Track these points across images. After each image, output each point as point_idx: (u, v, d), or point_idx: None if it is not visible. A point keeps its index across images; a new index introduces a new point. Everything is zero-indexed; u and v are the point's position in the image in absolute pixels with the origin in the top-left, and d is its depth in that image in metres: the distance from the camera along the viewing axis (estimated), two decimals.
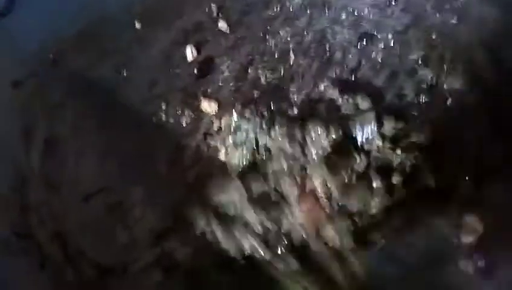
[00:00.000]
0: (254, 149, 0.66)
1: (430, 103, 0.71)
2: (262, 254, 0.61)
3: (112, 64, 0.70)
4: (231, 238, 0.61)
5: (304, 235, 0.62)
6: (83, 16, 0.66)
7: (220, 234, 0.61)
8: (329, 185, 0.63)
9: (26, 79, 0.61)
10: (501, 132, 0.65)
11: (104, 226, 0.61)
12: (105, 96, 0.68)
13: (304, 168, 0.64)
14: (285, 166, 0.64)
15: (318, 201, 0.63)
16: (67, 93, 0.64)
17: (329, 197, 0.63)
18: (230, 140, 0.67)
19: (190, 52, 0.73)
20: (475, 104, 0.69)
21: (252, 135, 0.66)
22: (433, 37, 0.71)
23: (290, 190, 0.63)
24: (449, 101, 0.71)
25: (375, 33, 0.73)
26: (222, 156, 0.68)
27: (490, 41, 0.67)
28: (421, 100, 0.71)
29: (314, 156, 0.64)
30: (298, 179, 0.64)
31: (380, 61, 0.72)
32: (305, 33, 0.73)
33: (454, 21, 0.70)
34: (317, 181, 0.63)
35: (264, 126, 0.66)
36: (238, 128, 0.68)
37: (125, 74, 0.71)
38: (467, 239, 0.63)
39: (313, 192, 0.63)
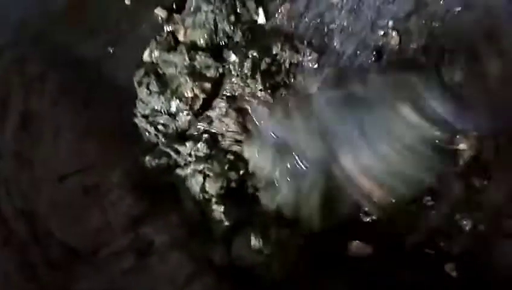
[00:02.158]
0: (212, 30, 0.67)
1: None
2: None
3: (99, 40, 0.68)
4: None
5: None
6: None
7: None
8: None
9: (6, 48, 0.58)
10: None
11: (77, 208, 0.58)
12: (89, 73, 0.65)
13: None
14: None
15: None
16: (48, 66, 0.62)
17: None
18: (190, 21, 0.68)
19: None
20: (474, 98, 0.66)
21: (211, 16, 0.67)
22: (435, 25, 0.68)
23: None
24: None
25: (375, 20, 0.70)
26: (181, 36, 0.69)
27: (495, 31, 0.63)
28: None
29: None
30: None
31: (378, 49, 0.69)
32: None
33: (458, 9, 0.67)
34: None
35: (223, 11, 0.67)
36: (198, 9, 0.68)
37: (111, 51, 0.69)
38: None
39: None
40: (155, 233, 0.59)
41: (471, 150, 0.63)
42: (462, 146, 0.64)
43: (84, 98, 0.64)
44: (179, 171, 0.64)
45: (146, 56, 0.70)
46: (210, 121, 0.65)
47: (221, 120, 0.65)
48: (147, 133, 0.67)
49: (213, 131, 0.65)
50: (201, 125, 0.66)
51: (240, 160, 0.65)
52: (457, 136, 0.64)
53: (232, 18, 0.68)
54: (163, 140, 0.66)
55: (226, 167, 0.63)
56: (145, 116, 0.67)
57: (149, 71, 0.67)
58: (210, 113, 0.65)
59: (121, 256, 0.57)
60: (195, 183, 0.63)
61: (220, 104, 0.65)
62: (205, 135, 0.65)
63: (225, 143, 0.65)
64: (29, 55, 0.61)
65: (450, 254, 0.58)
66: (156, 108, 0.66)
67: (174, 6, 0.72)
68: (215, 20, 0.67)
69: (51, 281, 0.51)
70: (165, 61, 0.67)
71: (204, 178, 0.63)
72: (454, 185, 0.62)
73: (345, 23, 0.70)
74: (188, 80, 0.65)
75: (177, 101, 0.65)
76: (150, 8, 0.71)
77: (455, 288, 0.56)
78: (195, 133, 0.66)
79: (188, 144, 0.64)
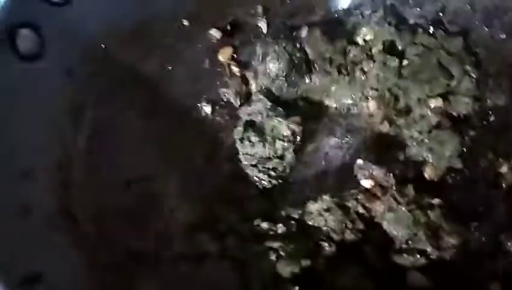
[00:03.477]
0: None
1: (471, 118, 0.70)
2: None
3: (159, 58, 0.72)
4: None
5: None
6: (135, 12, 0.68)
7: None
8: None
9: (79, 67, 0.63)
10: None
11: (141, 214, 0.62)
12: (150, 88, 0.70)
13: None
14: None
15: None
16: (115, 83, 0.67)
17: None
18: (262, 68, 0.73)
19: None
20: None
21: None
22: (478, 51, 0.70)
23: None
24: (491, 118, 0.70)
25: None
26: (254, 88, 0.75)
27: None
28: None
29: None
30: None
31: None
32: None
33: (503, 36, 0.69)
34: None
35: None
36: (265, 54, 0.74)
37: (170, 68, 0.73)
38: None
39: None
40: (209, 240, 0.63)
41: None
42: (504, 169, 0.66)
43: (146, 111, 0.69)
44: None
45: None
46: (308, 212, 0.65)
47: (321, 214, 0.64)
48: (261, 181, 0.70)
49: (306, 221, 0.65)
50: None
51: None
52: (500, 160, 0.67)
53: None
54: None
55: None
56: (254, 166, 0.70)
57: (246, 126, 0.71)
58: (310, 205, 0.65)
59: (179, 261, 0.60)
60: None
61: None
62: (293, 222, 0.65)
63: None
64: (98, 73, 0.66)
65: (496, 273, 0.59)
66: (263, 156, 0.69)
67: (228, 28, 0.76)
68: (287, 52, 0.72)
69: (116, 283, 0.55)
70: (250, 114, 0.72)
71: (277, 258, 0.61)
72: (498, 207, 0.64)
73: None
74: (280, 120, 0.68)
75: (280, 142, 0.69)
76: (205, 29, 0.76)
77: None
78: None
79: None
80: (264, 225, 0.65)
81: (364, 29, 0.74)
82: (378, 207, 0.63)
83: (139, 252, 0.59)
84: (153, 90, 0.71)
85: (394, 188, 0.63)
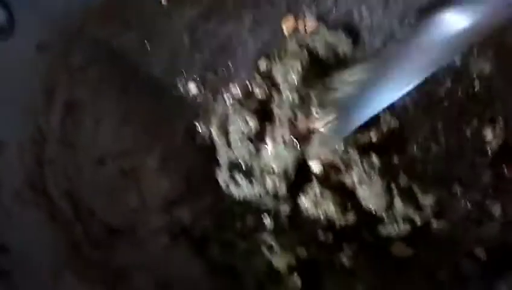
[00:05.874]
0: None
1: (456, 87, 0.69)
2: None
3: (136, 35, 0.71)
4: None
5: None
6: None
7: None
8: None
9: (51, 43, 0.62)
10: None
11: (116, 190, 0.61)
12: (127, 65, 0.69)
13: None
14: None
15: None
16: (89, 59, 0.65)
17: None
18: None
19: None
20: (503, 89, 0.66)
21: None
22: None
23: None
24: (477, 87, 0.69)
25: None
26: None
27: None
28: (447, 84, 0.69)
29: None
30: None
31: None
32: None
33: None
34: None
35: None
36: None
37: (148, 46, 0.72)
38: None
39: None
40: (189, 216, 0.62)
41: (498, 139, 0.63)
42: (489, 136, 0.65)
43: (123, 88, 0.67)
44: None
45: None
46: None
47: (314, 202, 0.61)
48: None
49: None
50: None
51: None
52: (485, 127, 0.66)
53: None
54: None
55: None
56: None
57: (231, 169, 0.65)
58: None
59: (156, 235, 0.59)
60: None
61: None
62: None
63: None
64: (72, 49, 0.64)
65: (480, 239, 0.58)
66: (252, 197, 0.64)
67: None
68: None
69: (92, 256, 0.54)
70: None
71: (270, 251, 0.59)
72: (484, 173, 0.63)
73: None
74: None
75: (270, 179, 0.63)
76: (186, 7, 0.74)
77: (485, 270, 0.56)
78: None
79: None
80: (250, 219, 0.62)
81: None
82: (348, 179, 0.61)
83: (115, 227, 0.58)
84: (130, 67, 0.69)
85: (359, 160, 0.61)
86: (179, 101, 0.71)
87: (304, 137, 0.63)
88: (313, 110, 0.63)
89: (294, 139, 0.63)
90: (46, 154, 0.57)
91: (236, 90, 0.71)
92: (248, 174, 0.63)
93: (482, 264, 0.57)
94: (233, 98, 0.70)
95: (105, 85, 0.66)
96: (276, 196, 0.62)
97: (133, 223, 0.60)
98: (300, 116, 0.63)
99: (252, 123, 0.64)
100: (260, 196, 0.63)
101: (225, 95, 0.72)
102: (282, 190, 0.62)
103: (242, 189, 0.63)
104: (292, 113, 0.63)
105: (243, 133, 0.64)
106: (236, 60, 0.73)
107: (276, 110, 0.65)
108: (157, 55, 0.71)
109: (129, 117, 0.66)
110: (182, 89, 0.72)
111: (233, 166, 0.64)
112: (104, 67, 0.66)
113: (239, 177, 0.63)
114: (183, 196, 0.64)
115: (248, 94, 0.69)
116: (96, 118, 0.64)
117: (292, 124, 0.63)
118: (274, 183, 0.62)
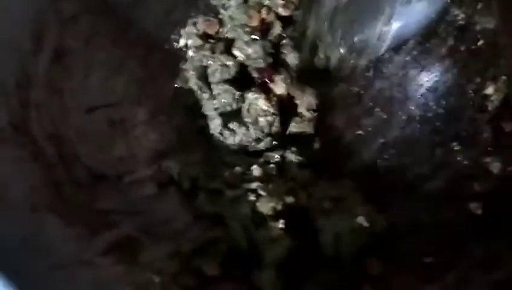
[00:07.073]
0: None
1: (460, 44, 0.66)
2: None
3: None
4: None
5: None
6: None
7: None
8: None
9: None
10: None
11: (103, 138, 0.60)
12: (120, 16, 0.68)
13: None
14: None
15: None
16: (81, 8, 0.64)
17: None
18: None
19: None
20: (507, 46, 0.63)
21: None
22: None
23: None
24: (480, 42, 0.66)
25: None
26: None
27: None
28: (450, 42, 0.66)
29: None
30: None
31: None
32: None
33: None
34: None
35: None
36: None
37: None
38: None
39: None
40: (178, 168, 0.60)
41: (499, 94, 0.61)
42: (490, 91, 0.62)
43: (115, 39, 0.66)
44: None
45: None
46: None
47: None
48: None
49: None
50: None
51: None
52: (487, 83, 0.63)
53: None
54: None
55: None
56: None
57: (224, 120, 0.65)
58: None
59: (143, 184, 0.58)
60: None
61: None
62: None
63: None
64: None
65: (476, 193, 0.56)
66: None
67: None
68: None
69: (75, 198, 0.53)
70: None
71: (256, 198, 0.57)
72: (483, 129, 0.60)
73: None
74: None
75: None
76: None
77: (479, 225, 0.54)
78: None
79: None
80: (238, 169, 0.61)
81: None
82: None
83: (100, 173, 0.57)
84: (123, 19, 0.68)
85: None
86: (171, 56, 0.70)
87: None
88: None
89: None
90: (32, 98, 0.56)
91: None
92: (240, 120, 0.62)
93: (478, 219, 0.54)
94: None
95: (97, 36, 0.65)
96: (270, 134, 0.62)
97: (119, 171, 0.58)
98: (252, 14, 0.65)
99: (231, 62, 0.65)
100: (257, 139, 0.63)
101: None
102: (276, 125, 0.63)
103: (238, 136, 0.63)
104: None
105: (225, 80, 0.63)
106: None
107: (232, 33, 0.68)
108: (151, 9, 0.70)
109: (120, 69, 0.65)
110: (175, 44, 0.71)
111: (224, 115, 0.63)
112: (97, 18, 0.65)
113: (233, 125, 0.62)
114: (172, 149, 0.63)
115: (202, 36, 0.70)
116: (86, 67, 0.62)
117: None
118: (266, 120, 0.61)
